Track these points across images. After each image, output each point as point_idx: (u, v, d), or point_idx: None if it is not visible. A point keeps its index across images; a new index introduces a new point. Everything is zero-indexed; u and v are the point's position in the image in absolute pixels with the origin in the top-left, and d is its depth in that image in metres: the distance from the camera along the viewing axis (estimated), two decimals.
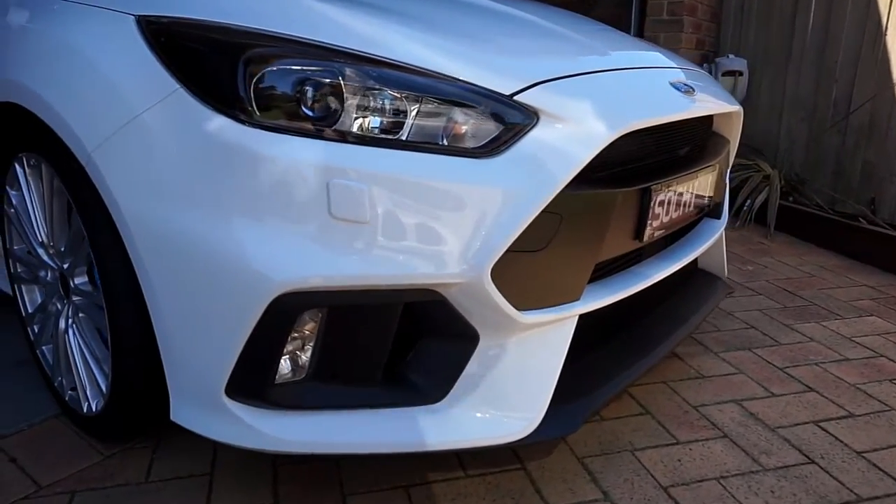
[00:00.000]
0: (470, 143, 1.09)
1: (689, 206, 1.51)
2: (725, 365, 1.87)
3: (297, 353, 1.13)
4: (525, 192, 1.06)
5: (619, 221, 1.25)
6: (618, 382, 1.34)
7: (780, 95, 3.85)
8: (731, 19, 4.17)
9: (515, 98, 1.10)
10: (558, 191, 1.08)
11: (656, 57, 1.54)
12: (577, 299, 1.20)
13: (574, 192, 1.13)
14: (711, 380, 1.78)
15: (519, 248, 1.08)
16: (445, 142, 1.08)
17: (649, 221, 1.32)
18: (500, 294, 1.08)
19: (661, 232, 1.40)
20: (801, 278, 2.65)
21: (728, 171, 1.87)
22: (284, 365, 1.13)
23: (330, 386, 1.13)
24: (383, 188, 1.02)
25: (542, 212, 1.08)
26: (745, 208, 3.43)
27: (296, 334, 1.12)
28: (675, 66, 1.55)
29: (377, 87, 1.06)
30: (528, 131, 1.10)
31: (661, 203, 1.36)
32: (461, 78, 1.09)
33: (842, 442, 1.51)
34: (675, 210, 1.44)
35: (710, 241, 1.68)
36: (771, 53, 3.89)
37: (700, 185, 1.54)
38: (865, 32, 3.32)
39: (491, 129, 1.09)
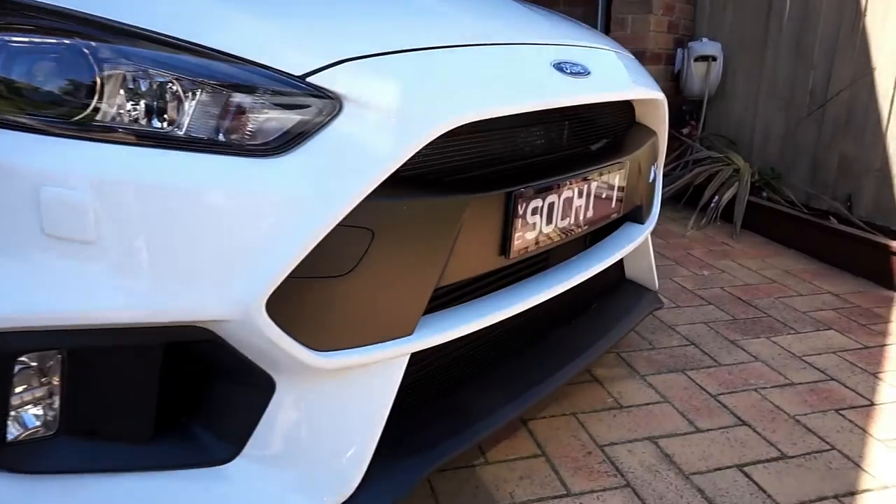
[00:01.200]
0: (254, 139, 0.85)
1: (587, 212, 1.27)
2: (650, 392, 1.63)
3: (47, 403, 0.90)
4: (314, 202, 0.82)
5: (471, 235, 1.01)
6: (478, 430, 1.11)
7: (756, 83, 3.59)
8: (706, 1, 3.89)
9: (310, 80, 0.86)
10: (359, 200, 0.84)
11: (547, 32, 1.29)
12: (408, 334, 0.96)
13: (393, 202, 0.89)
14: (629, 411, 1.54)
15: (310, 274, 0.85)
16: (222, 137, 0.84)
17: (517, 234, 1.08)
18: (282, 332, 0.84)
19: (540, 245, 1.16)
20: (760, 285, 2.40)
21: (656, 166, 1.62)
22: (28, 418, 0.89)
23: (86, 444, 0.90)
24: (119, 198, 0.78)
25: (343, 227, 0.84)
26: (711, 205, 3.18)
27: (43, 380, 0.89)
28: (572, 43, 1.30)
29: (132, 66, 0.82)
30: (326, 123, 0.86)
31: (537, 210, 1.11)
32: (241, 55, 0.85)
33: (765, 492, 1.28)
34: (564, 218, 1.20)
35: (622, 252, 1.44)
36: (747, 37, 3.62)
37: (604, 185, 1.30)
38: (844, 15, 3.05)
39: (277, 120, 0.85)
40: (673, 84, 3.94)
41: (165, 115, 0.83)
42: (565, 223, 1.20)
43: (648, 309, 1.66)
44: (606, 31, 3.83)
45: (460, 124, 0.91)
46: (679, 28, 3.91)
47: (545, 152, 1.24)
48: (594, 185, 1.26)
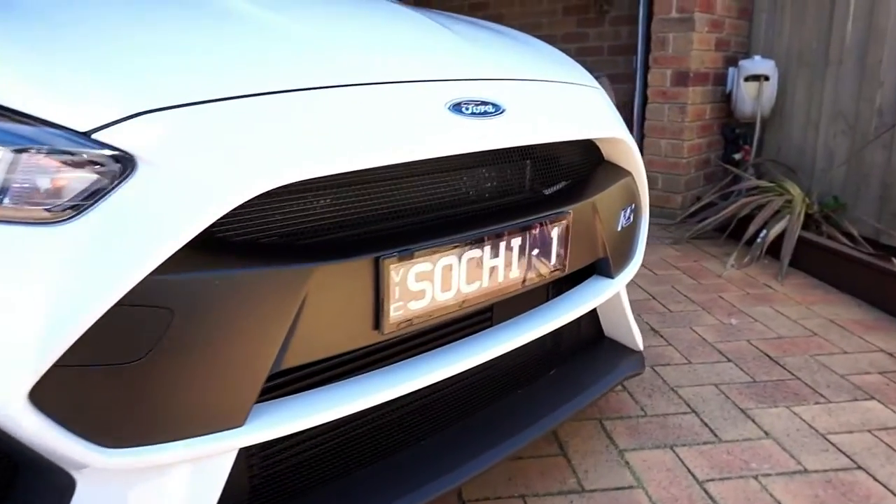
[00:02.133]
0: (26, 205, 0.74)
1: (509, 273, 1.08)
2: (623, 472, 1.40)
3: None
4: (82, 279, 0.70)
5: (326, 309, 0.86)
6: None
7: (817, 104, 3.23)
8: (762, 15, 3.56)
9: (97, 136, 0.74)
10: (142, 276, 0.71)
11: (457, 63, 1.11)
12: (237, 426, 0.82)
13: (200, 276, 0.76)
14: (590, 496, 1.32)
15: (89, 362, 0.72)
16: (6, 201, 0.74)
17: (393, 305, 0.92)
18: (56, 426, 0.72)
19: (437, 315, 0.98)
20: (797, 338, 2.08)
21: (631, 211, 1.41)
22: None
23: None
24: None
25: (125, 307, 0.72)
26: (758, 241, 2.85)
27: None
28: (489, 76, 1.11)
29: None
30: (115, 186, 0.74)
31: (425, 276, 0.95)
32: (14, 108, 0.74)
33: None
34: (471, 282, 1.02)
35: (572, 313, 1.23)
36: (806, 54, 3.27)
37: (534, 240, 1.11)
38: None
39: (55, 183, 0.74)
40: (723, 105, 3.62)
41: None
42: (474, 288, 1.02)
43: (624, 375, 1.44)
44: (647, 50, 3.58)
45: (279, 185, 0.76)
46: (731, 45, 3.59)
47: (455, 204, 1.07)
48: (516, 240, 1.07)
